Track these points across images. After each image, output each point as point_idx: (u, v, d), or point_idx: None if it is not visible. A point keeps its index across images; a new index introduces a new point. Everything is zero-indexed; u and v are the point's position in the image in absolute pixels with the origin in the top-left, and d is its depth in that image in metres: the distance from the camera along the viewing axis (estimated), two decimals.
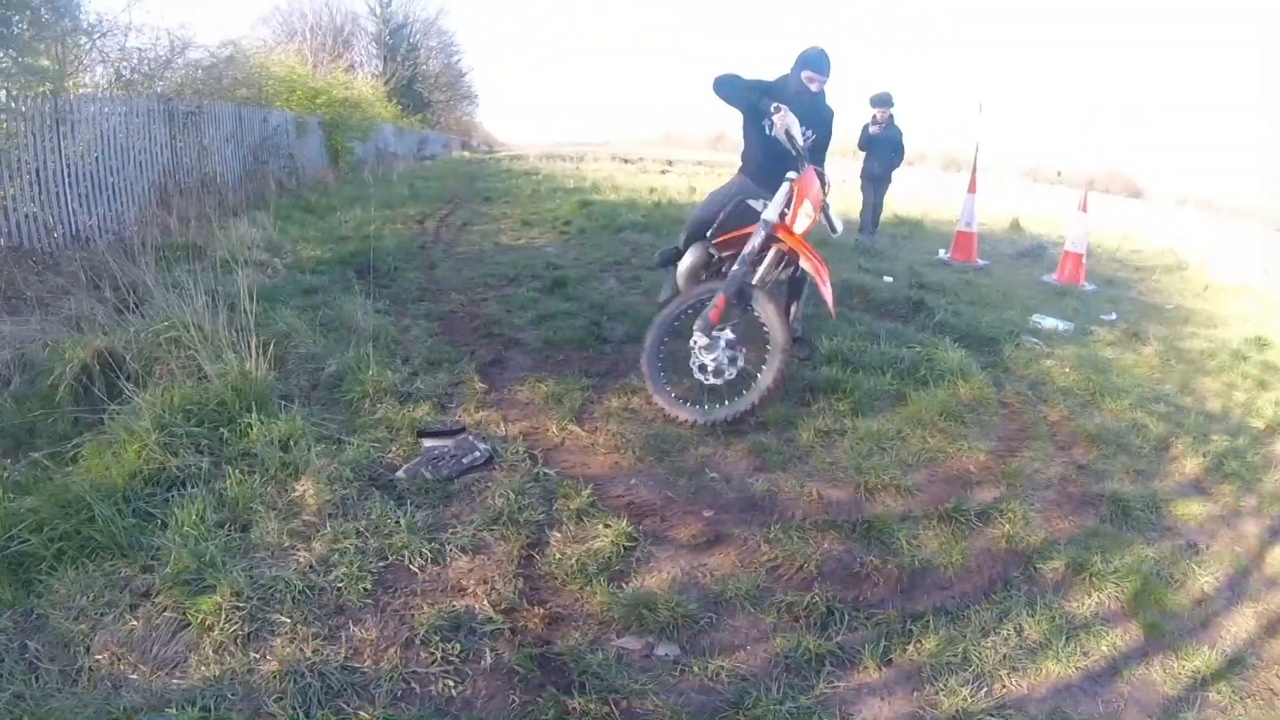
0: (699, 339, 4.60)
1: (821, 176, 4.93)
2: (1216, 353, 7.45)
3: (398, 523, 3.15)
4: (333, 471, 3.45)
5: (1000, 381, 5.73)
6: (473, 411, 4.36)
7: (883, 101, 11.95)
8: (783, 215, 4.70)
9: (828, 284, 4.62)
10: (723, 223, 5.04)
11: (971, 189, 11.87)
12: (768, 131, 4.98)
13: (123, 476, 3.29)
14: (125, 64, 11.79)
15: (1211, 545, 3.91)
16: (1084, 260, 10.79)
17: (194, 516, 3.03)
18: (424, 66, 51.35)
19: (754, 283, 4.71)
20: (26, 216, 7.92)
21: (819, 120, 5.23)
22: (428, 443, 3.87)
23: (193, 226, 9.22)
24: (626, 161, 35.96)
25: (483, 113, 79.45)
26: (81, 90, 10.41)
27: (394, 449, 3.84)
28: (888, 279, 8.96)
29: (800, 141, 4.80)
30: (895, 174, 12.69)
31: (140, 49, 12.19)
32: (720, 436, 4.36)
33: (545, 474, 3.73)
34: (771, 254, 4.80)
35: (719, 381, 4.61)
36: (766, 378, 4.41)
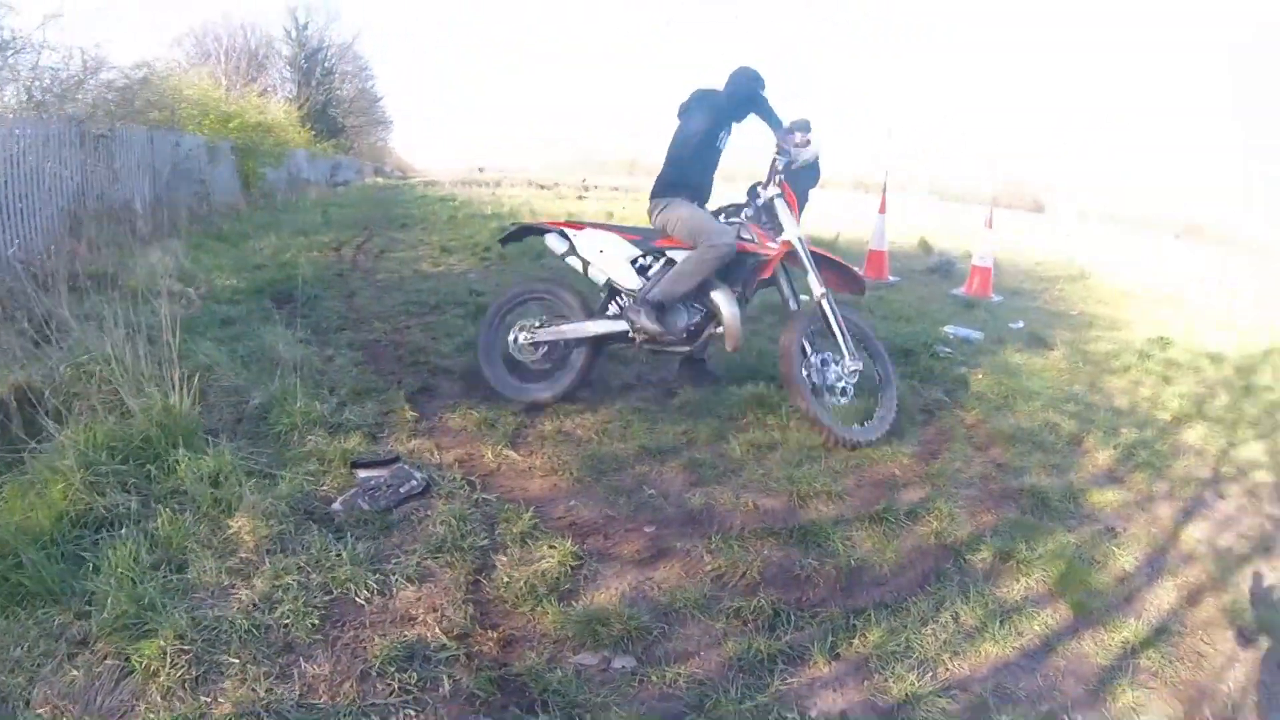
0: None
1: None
2: (1121, 353, 7.79)
3: (339, 556, 3.11)
4: (267, 506, 3.38)
5: (918, 390, 5.92)
6: (405, 440, 4.33)
7: (802, 127, 12.05)
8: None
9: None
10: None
11: (882, 210, 12.30)
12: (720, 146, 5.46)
13: (49, 518, 3.18)
14: (37, 84, 11.44)
15: (1128, 528, 4.13)
16: (991, 273, 11.16)
17: (127, 558, 2.93)
18: (338, 91, 51.08)
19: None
20: None
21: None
22: (362, 473, 3.82)
23: (104, 255, 8.99)
24: (543, 187, 36.03)
25: (397, 138, 78.80)
26: None
27: (328, 481, 3.78)
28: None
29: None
30: (812, 194, 12.82)
31: (53, 68, 11.85)
32: (655, 455, 4.42)
33: (485, 499, 3.72)
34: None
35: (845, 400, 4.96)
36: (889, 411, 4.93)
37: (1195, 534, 4.16)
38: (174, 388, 4.04)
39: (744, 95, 5.40)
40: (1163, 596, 3.55)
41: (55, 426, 3.78)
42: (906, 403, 5.34)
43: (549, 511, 3.71)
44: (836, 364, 5.04)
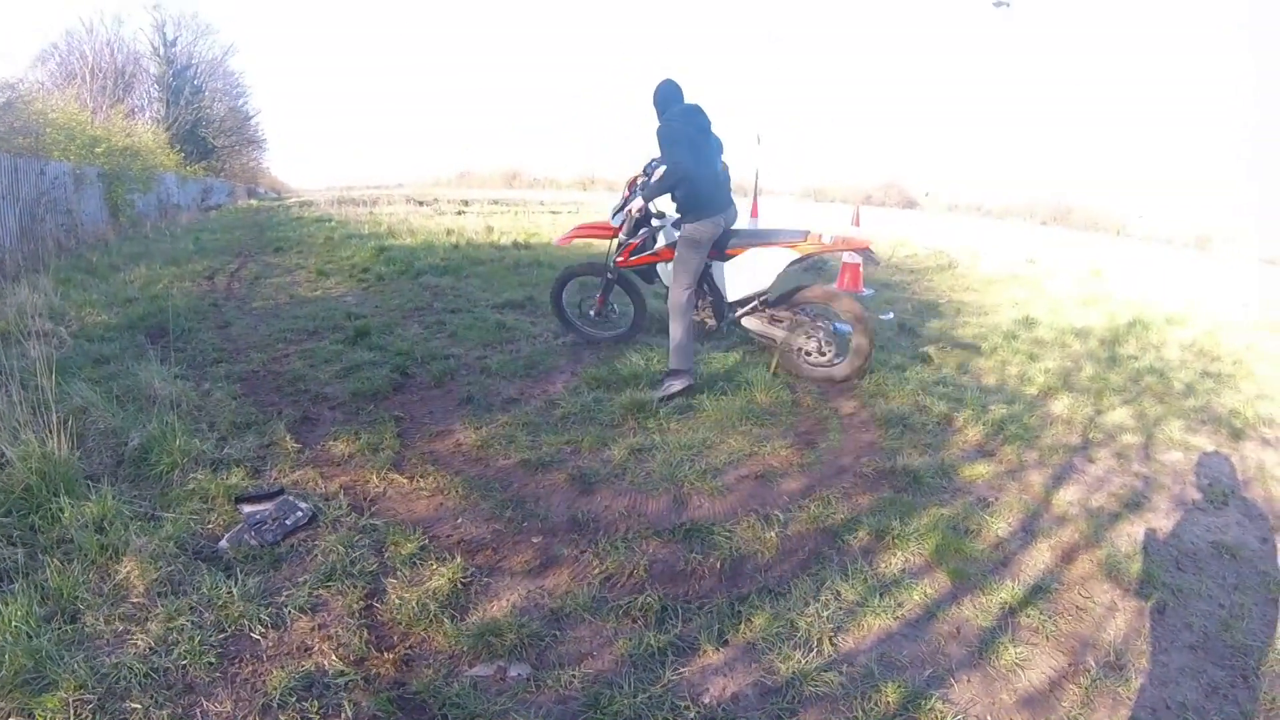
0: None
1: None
2: (989, 335, 8.17)
3: (230, 593, 3.13)
4: (154, 549, 3.38)
5: (793, 385, 6.16)
6: (289, 472, 4.33)
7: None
8: None
9: None
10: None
11: (754, 214, 12.68)
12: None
13: None
14: None
15: (1001, 498, 4.42)
16: (860, 268, 11.49)
17: (20, 613, 2.92)
18: (208, 110, 49.50)
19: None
20: None
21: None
22: (247, 508, 3.83)
23: None
24: (421, 204, 35.56)
25: (270, 158, 76.82)
26: None
27: (213, 519, 3.77)
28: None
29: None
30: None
31: None
32: (540, 467, 4.52)
33: (372, 524, 3.77)
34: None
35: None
36: None
37: (1067, 497, 4.48)
38: (51, 433, 3.98)
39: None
40: (1038, 558, 3.83)
41: None
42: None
43: (437, 531, 3.79)
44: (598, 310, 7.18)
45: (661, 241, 6.47)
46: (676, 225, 6.13)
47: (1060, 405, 6.03)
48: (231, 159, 57.37)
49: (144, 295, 9.67)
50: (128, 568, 3.28)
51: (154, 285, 10.62)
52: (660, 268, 6.58)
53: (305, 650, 2.90)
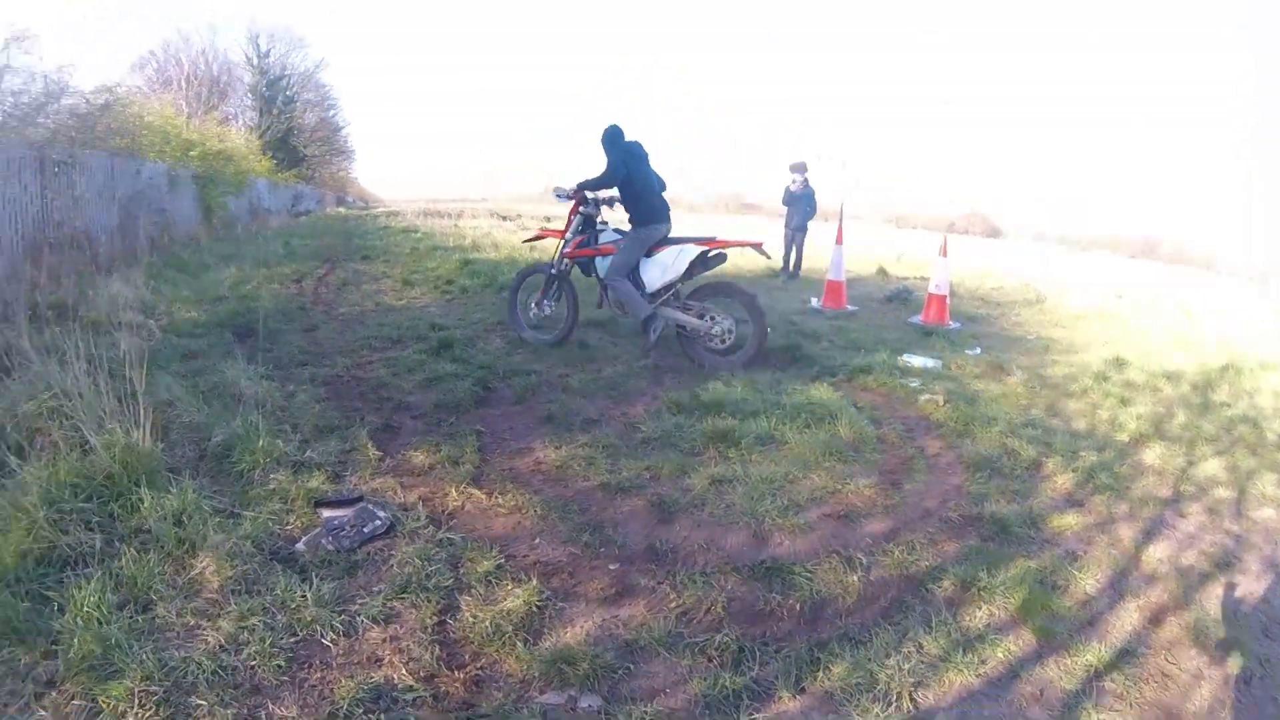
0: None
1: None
2: (1079, 376, 7.90)
3: (304, 597, 3.10)
4: (232, 546, 3.37)
5: (879, 420, 5.97)
6: (368, 479, 4.31)
7: (801, 168, 15.74)
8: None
9: None
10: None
11: (839, 240, 12.40)
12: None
13: (12, 556, 3.17)
14: None
15: (1090, 551, 4.19)
16: (947, 300, 11.27)
17: (93, 599, 2.92)
18: (300, 120, 50.85)
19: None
20: None
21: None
22: (326, 513, 3.81)
23: (65, 284, 8.90)
24: (505, 219, 35.94)
25: (359, 168, 78.66)
26: None
27: (292, 520, 3.77)
28: None
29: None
30: (810, 225, 16.13)
31: (15, 91, 11.80)
32: (619, 491, 4.44)
33: (449, 538, 3.72)
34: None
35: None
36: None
37: (1157, 554, 4.24)
38: (136, 425, 4.01)
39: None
40: (1126, 618, 3.62)
41: (17, 462, 3.76)
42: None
43: (514, 550, 3.72)
44: (539, 304, 8.17)
45: (604, 240, 7.87)
46: (620, 231, 7.85)
47: (1151, 454, 5.78)
48: (321, 168, 58.80)
49: (233, 294, 9.87)
50: (203, 563, 3.27)
51: (243, 285, 10.83)
52: (598, 261, 7.81)
53: (375, 661, 2.85)
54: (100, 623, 2.83)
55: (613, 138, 7.69)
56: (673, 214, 7.81)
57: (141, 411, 4.07)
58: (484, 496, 4.24)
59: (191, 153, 20.17)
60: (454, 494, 4.23)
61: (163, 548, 3.36)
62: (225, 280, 11.04)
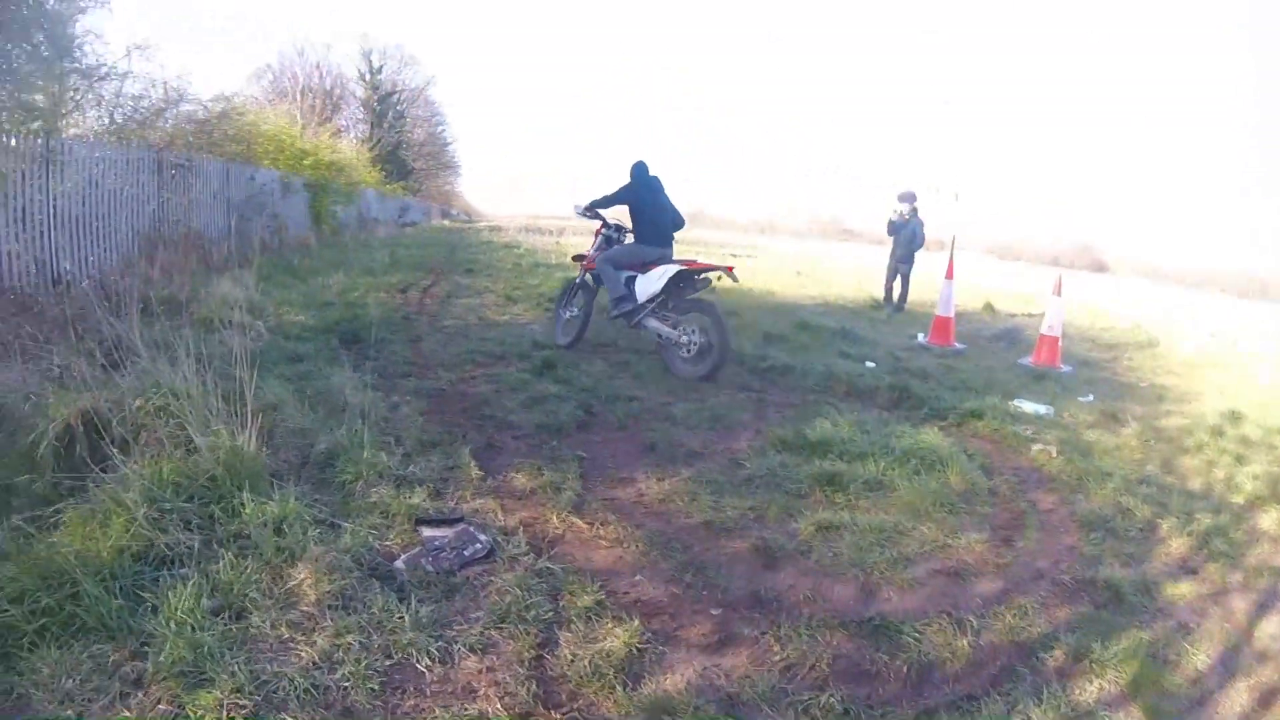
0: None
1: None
2: (1194, 429, 7.47)
3: (401, 618, 3.03)
4: (331, 560, 3.32)
5: (990, 469, 5.71)
6: (470, 499, 4.25)
7: (909, 198, 15.25)
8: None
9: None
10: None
11: (949, 275, 12.04)
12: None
13: (110, 551, 3.17)
14: (120, 110, 11.85)
15: (1202, 624, 3.92)
16: (1059, 343, 10.86)
17: (187, 603, 2.89)
18: (409, 134, 52.42)
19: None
20: (8, 254, 7.85)
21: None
22: (427, 532, 3.75)
23: (177, 280, 9.13)
24: None
25: (464, 182, 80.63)
26: (73, 131, 10.46)
27: (391, 536, 3.72)
28: (870, 364, 9.05)
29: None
30: (916, 256, 15.67)
31: (136, 96, 12.46)
32: (722, 531, 4.28)
33: (549, 568, 3.60)
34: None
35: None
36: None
37: (1269, 630, 3.96)
38: (242, 427, 4.01)
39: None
40: (1235, 699, 3.37)
41: (121, 457, 3.78)
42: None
43: (614, 585, 3.59)
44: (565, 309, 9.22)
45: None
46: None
47: (1268, 520, 5.41)
48: (428, 181, 60.45)
49: (340, 301, 10.04)
50: (301, 574, 3.23)
51: (350, 292, 11.02)
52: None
53: (470, 693, 2.76)
54: (193, 628, 2.80)
55: (635, 168, 8.84)
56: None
57: (249, 412, 4.06)
58: (586, 526, 4.13)
59: (305, 161, 20.95)
60: (555, 521, 4.13)
61: (261, 555, 3.33)
62: (333, 286, 11.25)
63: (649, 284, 8.31)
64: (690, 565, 3.86)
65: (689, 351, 8.03)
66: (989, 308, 17.59)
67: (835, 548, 4.19)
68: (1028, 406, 7.74)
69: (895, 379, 8.19)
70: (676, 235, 8.91)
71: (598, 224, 9.23)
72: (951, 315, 11.89)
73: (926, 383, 8.36)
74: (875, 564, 4.01)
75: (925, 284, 16.13)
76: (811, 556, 4.09)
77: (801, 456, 5.40)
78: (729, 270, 8.51)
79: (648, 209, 8.61)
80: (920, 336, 12.13)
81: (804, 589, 3.75)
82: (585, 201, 8.91)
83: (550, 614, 3.25)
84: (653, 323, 8.32)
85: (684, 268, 8.23)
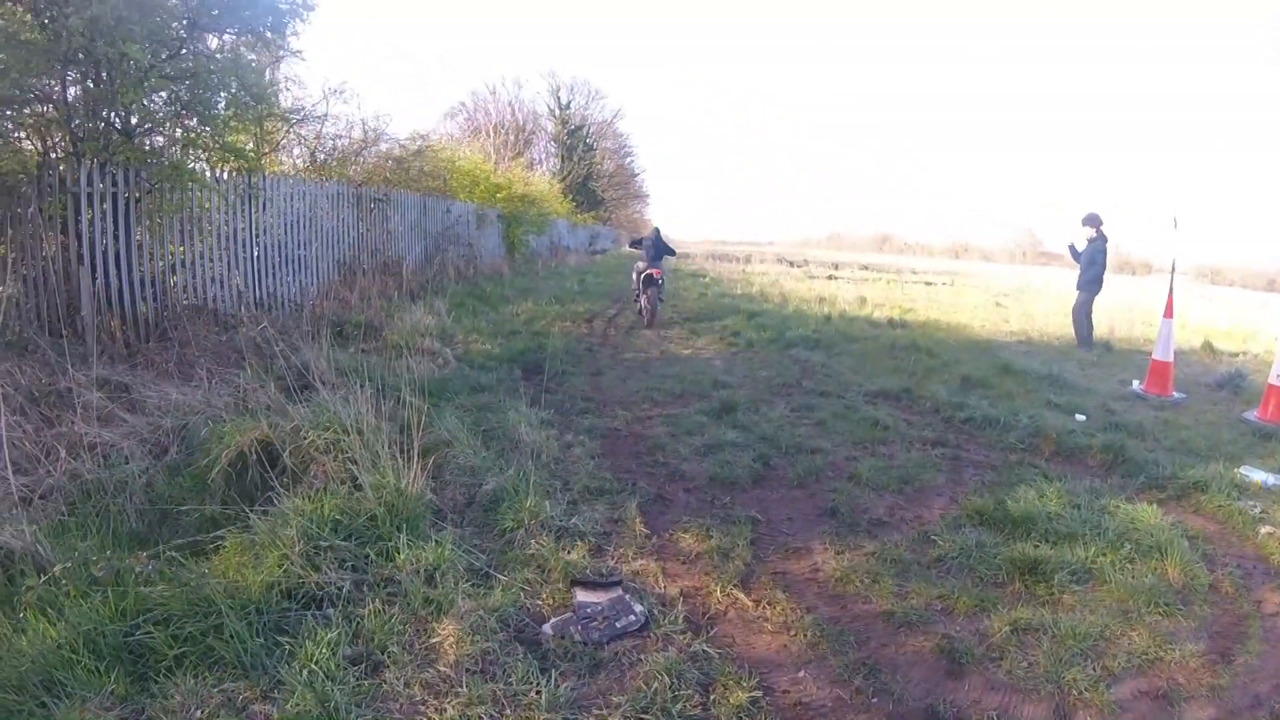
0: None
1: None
2: None
3: (538, 694, 2.82)
4: (477, 619, 3.18)
5: (1211, 558, 4.92)
6: (631, 558, 4.03)
7: (1093, 220, 13.89)
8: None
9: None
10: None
11: (1168, 314, 10.67)
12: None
13: (259, 586, 3.18)
14: (320, 149, 12.78)
15: None
16: None
17: (325, 650, 2.83)
18: (599, 166, 54.61)
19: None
20: (213, 279, 8.33)
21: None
22: (581, 596, 3.56)
23: (372, 306, 9.47)
24: (792, 264, 36.27)
25: (652, 210, 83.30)
26: (279, 168, 11.32)
27: (544, 595, 3.55)
28: (1080, 417, 8.10)
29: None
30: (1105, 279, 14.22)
31: (335, 136, 13.71)
32: (902, 624, 3.84)
33: (705, 651, 3.30)
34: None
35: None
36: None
37: None
38: (408, 465, 4.03)
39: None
40: None
41: (287, 489, 3.83)
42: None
43: (774, 680, 3.26)
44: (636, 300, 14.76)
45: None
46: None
47: None
48: (618, 210, 62.28)
49: (526, 330, 10.21)
50: (445, 631, 3.12)
51: (537, 321, 11.22)
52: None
53: None
54: (326, 677, 2.74)
55: (654, 230, 14.86)
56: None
57: (417, 449, 4.04)
58: (751, 604, 3.80)
59: (498, 195, 22.35)
60: (718, 595, 3.83)
61: (409, 604, 3.27)
62: (521, 314, 11.53)
63: (636, 275, 13.90)
64: (862, 665, 3.45)
65: (640, 315, 13.56)
66: (1208, 347, 15.79)
67: (1031, 655, 3.67)
68: (1256, 475, 6.49)
69: (1108, 437, 7.16)
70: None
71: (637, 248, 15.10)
72: (1171, 360, 10.39)
73: (1143, 442, 7.30)
74: (1074, 681, 3.46)
75: (1124, 309, 14.88)
76: (1003, 665, 3.59)
77: (1001, 534, 4.84)
78: (657, 278, 13.57)
79: (649, 248, 14.09)
80: (1135, 384, 10.72)
81: (991, 706, 3.28)
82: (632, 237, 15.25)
83: (698, 710, 2.95)
84: (641, 299, 13.63)
85: (648, 272, 13.41)
